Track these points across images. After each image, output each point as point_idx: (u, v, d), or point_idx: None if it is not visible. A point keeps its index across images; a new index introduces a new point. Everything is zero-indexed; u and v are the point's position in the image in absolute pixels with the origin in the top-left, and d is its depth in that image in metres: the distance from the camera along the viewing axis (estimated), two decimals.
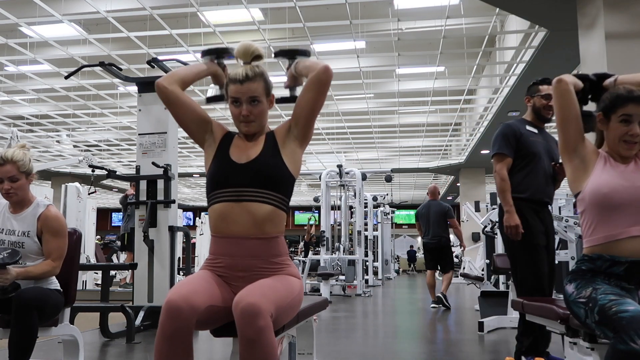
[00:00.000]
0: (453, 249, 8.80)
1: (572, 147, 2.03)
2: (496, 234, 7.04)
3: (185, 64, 5.31)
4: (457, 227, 7.79)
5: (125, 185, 19.69)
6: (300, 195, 24.76)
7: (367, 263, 11.37)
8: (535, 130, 3.22)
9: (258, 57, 2.00)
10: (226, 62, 2.18)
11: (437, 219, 7.37)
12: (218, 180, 1.94)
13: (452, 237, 8.05)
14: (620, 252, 1.90)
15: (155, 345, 1.71)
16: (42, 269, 2.63)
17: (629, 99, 1.93)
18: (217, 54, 2.15)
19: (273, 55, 2.24)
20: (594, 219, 1.96)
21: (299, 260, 11.00)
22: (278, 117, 10.99)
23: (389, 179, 11.85)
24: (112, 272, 9.42)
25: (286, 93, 2.18)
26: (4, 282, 2.48)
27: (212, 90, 2.20)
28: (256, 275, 1.89)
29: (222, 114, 11.72)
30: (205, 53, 2.16)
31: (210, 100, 2.22)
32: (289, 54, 2.14)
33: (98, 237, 13.42)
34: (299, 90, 2.06)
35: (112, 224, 28.67)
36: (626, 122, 1.94)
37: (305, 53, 2.12)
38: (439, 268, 7.40)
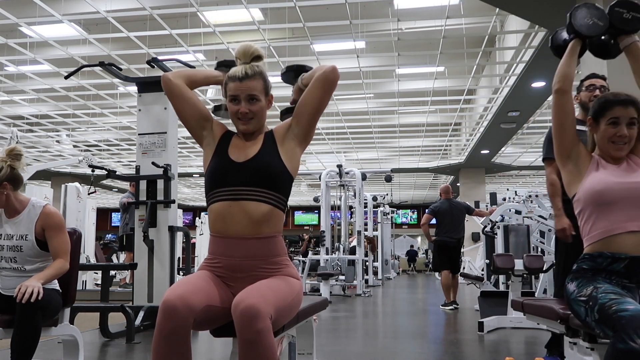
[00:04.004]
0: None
1: (567, 152, 2.11)
2: (496, 234, 7.04)
3: (185, 63, 5.31)
4: (485, 213, 7.65)
5: (125, 185, 19.69)
6: (300, 195, 24.76)
7: (366, 263, 11.37)
8: (584, 128, 3.25)
9: (258, 57, 1.99)
10: None
11: (461, 218, 7.34)
12: (216, 179, 1.93)
13: (478, 221, 8.04)
14: (620, 248, 1.93)
15: (153, 345, 1.71)
16: (56, 268, 2.64)
17: (616, 103, 2.03)
18: (231, 67, 2.16)
19: (280, 75, 2.25)
20: (590, 217, 2.00)
21: (299, 261, 11.00)
22: (277, 116, 10.99)
23: (388, 179, 11.85)
24: (112, 272, 9.42)
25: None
26: (39, 295, 2.46)
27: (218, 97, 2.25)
28: (255, 275, 1.89)
29: None
30: (220, 64, 2.18)
31: (218, 108, 2.24)
32: (296, 70, 2.17)
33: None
34: None
35: (112, 224, 28.67)
36: (614, 124, 2.03)
37: (310, 69, 2.15)
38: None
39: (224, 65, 2.17)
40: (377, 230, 14.59)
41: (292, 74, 2.19)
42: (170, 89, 2.01)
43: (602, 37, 2.22)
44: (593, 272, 1.97)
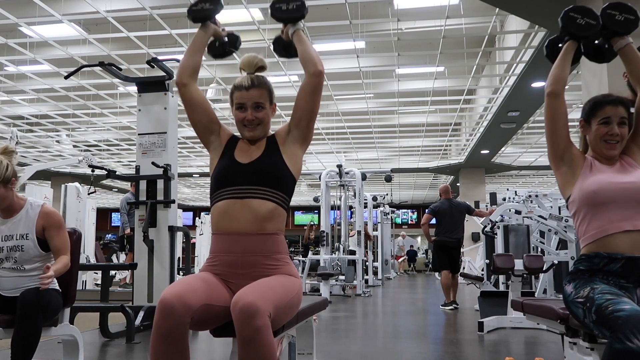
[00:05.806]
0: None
1: (560, 155, 2.12)
2: (496, 234, 7.04)
3: None
4: (485, 213, 7.63)
5: (125, 185, 19.68)
6: (300, 195, 24.75)
7: (366, 263, 11.36)
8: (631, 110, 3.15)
9: (262, 67, 2.09)
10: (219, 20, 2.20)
11: (461, 218, 7.34)
12: (222, 180, 1.99)
13: (478, 221, 8.06)
14: (616, 248, 1.94)
15: (151, 344, 1.72)
16: (64, 264, 2.67)
17: (606, 103, 2.07)
18: (205, 16, 2.14)
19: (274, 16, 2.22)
20: (585, 218, 2.02)
21: (299, 260, 11.00)
22: (279, 117, 11.00)
23: (388, 179, 11.85)
24: (112, 272, 9.42)
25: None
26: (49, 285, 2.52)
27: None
28: (255, 272, 1.91)
29: (222, 114, 11.71)
30: (195, 20, 2.15)
31: (217, 54, 2.24)
32: (292, 19, 2.17)
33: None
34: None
35: (112, 224, 28.66)
36: (606, 123, 2.06)
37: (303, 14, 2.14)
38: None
39: (198, 19, 2.14)
40: (377, 230, 14.58)
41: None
42: (185, 96, 2.08)
43: (597, 41, 2.22)
44: (590, 273, 1.98)
